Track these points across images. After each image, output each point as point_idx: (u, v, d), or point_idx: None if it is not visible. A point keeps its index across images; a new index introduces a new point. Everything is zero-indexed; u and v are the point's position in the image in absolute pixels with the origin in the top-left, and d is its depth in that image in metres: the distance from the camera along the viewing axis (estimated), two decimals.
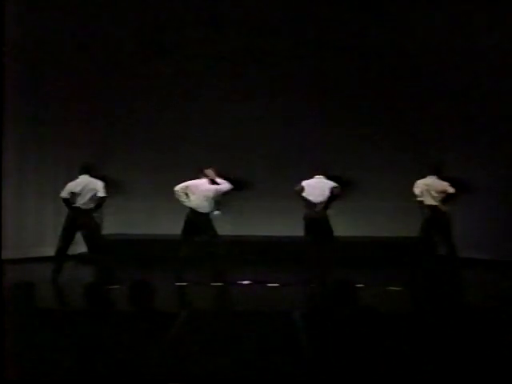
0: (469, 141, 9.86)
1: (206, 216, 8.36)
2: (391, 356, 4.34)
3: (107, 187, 8.58)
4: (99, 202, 8.39)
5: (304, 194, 8.49)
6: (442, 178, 8.45)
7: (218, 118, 10.81)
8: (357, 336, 4.48)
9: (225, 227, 9.02)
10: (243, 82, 10.70)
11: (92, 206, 8.35)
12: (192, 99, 10.81)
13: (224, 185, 8.61)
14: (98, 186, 8.33)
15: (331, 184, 8.54)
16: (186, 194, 8.45)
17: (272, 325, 5.70)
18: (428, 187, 8.35)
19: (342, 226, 9.05)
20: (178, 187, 8.50)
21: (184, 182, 8.58)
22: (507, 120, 9.52)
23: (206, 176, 8.56)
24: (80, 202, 8.27)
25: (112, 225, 10.51)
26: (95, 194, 8.29)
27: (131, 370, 4.26)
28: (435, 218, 8.29)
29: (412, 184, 8.61)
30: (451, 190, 8.28)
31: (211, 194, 8.41)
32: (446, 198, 8.31)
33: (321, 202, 8.43)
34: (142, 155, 10.87)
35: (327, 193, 8.47)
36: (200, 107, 10.82)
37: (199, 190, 8.40)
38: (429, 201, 8.34)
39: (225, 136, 10.77)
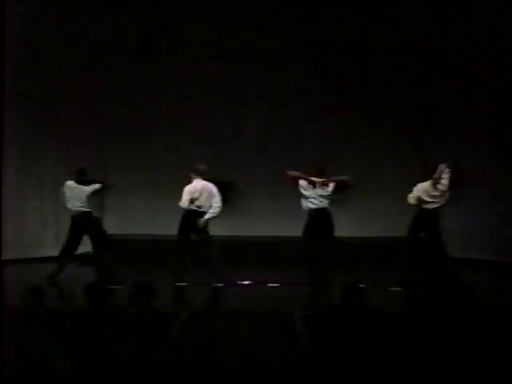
0: (469, 141, 9.86)
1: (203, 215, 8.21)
2: (392, 356, 4.35)
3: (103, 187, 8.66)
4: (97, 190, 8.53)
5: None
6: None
7: (217, 119, 10.81)
8: (358, 336, 4.49)
9: (224, 227, 9.02)
10: (243, 83, 10.70)
11: (89, 208, 8.39)
12: (192, 99, 10.82)
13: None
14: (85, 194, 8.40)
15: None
16: (192, 201, 8.13)
17: (272, 325, 5.70)
18: (426, 193, 8.28)
19: (343, 226, 9.03)
20: (185, 203, 8.07)
21: (182, 190, 8.16)
22: (508, 120, 9.52)
23: (198, 174, 8.25)
24: (75, 205, 8.31)
25: (112, 225, 10.51)
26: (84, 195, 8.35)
27: (132, 370, 4.27)
28: (426, 217, 8.24)
29: (412, 184, 8.60)
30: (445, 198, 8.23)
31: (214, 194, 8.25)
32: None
33: (320, 203, 8.41)
34: (142, 155, 10.86)
35: (328, 192, 8.45)
36: (200, 107, 10.83)
37: (206, 192, 8.23)
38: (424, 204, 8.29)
39: (225, 136, 10.77)
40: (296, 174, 8.54)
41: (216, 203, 8.11)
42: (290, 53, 10.66)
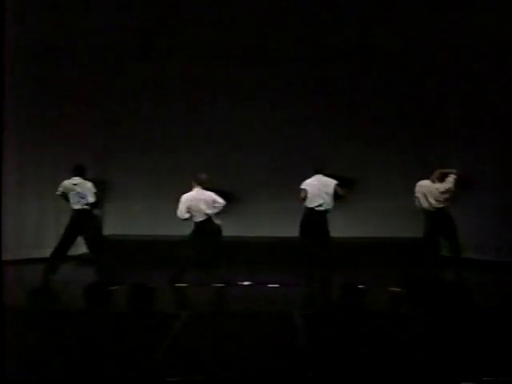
0: (469, 141, 9.86)
1: (211, 220, 8.25)
2: (392, 357, 4.35)
3: (102, 189, 8.58)
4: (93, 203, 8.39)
5: (307, 196, 8.42)
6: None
7: (218, 120, 10.81)
8: (358, 337, 4.49)
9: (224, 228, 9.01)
10: (243, 84, 10.70)
11: (90, 206, 8.31)
12: (192, 101, 10.82)
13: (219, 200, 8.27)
14: (89, 190, 8.25)
15: (333, 181, 8.48)
16: (189, 210, 8.16)
17: (272, 325, 5.70)
18: (430, 191, 8.26)
19: (342, 227, 9.03)
20: (183, 214, 8.12)
21: (181, 198, 8.19)
22: (508, 120, 9.51)
23: (198, 183, 8.28)
24: (74, 202, 8.26)
25: (112, 225, 10.51)
26: (85, 197, 8.26)
27: (132, 371, 4.27)
28: (440, 220, 8.22)
29: (412, 185, 8.59)
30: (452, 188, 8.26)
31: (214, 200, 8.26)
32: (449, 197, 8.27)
33: (323, 202, 8.38)
34: (142, 156, 10.86)
35: (331, 190, 8.39)
36: (200, 109, 10.82)
37: (203, 200, 8.20)
38: (432, 204, 8.28)
39: (225, 137, 10.77)
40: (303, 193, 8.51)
41: (218, 203, 8.16)
42: (291, 54, 10.66)
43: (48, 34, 9.90)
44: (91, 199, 8.25)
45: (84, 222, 8.23)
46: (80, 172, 8.36)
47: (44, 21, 9.83)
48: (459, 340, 4.41)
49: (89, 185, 8.29)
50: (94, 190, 8.29)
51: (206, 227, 8.14)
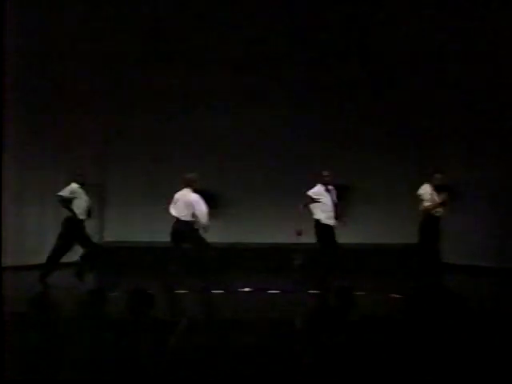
0: (470, 146, 9.84)
1: (190, 225, 8.25)
2: (392, 362, 4.33)
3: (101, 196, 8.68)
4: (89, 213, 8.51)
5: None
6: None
7: (217, 125, 10.81)
8: (358, 343, 4.47)
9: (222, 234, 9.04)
10: (242, 89, 10.72)
11: (84, 216, 8.40)
12: (192, 106, 10.84)
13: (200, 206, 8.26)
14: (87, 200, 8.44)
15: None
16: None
17: (273, 332, 5.69)
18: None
19: (343, 232, 9.02)
20: (169, 209, 8.36)
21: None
22: (508, 126, 9.50)
23: (185, 184, 8.35)
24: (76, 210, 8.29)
25: (112, 232, 10.52)
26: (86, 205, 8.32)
27: (131, 377, 4.26)
28: (431, 222, 8.33)
29: (412, 190, 8.59)
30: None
31: (191, 204, 8.26)
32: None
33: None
34: (142, 162, 10.88)
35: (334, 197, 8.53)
36: (199, 114, 10.84)
37: (182, 201, 8.25)
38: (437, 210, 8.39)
39: (224, 143, 10.78)
40: (308, 198, 8.55)
41: (199, 212, 8.13)
42: (290, 55, 10.67)
43: (50, 36, 9.94)
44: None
45: (79, 229, 8.30)
46: (81, 181, 8.44)
47: (46, 22, 9.87)
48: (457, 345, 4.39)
49: (86, 197, 8.52)
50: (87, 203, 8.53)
51: (179, 228, 8.11)
